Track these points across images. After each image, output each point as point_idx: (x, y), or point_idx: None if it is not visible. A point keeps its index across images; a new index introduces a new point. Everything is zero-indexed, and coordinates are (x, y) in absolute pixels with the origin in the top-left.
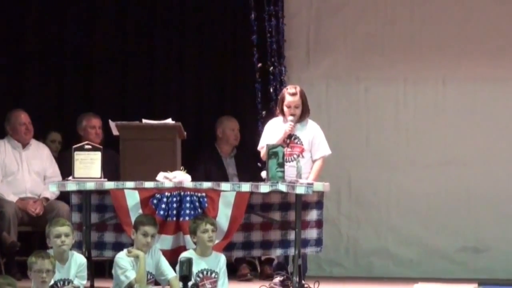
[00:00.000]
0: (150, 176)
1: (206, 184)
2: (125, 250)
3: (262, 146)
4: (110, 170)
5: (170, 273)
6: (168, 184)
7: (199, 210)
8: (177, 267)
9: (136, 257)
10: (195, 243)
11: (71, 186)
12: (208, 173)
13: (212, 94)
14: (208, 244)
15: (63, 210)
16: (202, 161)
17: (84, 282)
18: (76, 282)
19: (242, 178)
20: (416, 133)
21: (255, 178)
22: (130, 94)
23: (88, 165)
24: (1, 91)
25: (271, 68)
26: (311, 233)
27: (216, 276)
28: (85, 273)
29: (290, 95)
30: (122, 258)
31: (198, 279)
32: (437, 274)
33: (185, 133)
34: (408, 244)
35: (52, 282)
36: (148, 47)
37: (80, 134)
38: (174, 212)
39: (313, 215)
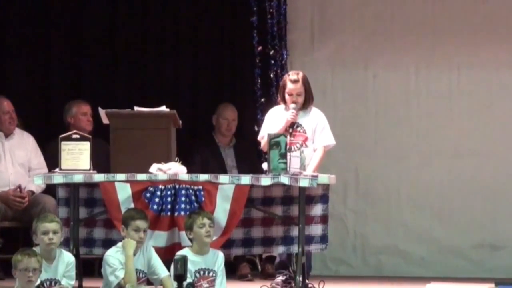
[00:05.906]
0: (142, 168)
1: (203, 177)
2: (114, 247)
3: (262, 136)
4: (100, 161)
5: (163, 272)
6: (162, 176)
7: (195, 204)
8: (172, 266)
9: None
10: (191, 239)
11: (57, 178)
12: (205, 165)
13: (209, 80)
14: (206, 240)
15: (49, 204)
16: (198, 152)
17: (73, 282)
18: (64, 282)
19: (242, 170)
20: (428, 122)
21: (256, 169)
22: (121, 80)
23: (76, 156)
24: None
25: (272, 52)
26: (316, 229)
27: (214, 274)
28: (73, 273)
29: (291, 82)
30: (112, 256)
31: (196, 279)
32: (450, 273)
33: (180, 121)
34: (420, 241)
35: (38, 282)
36: (141, 29)
37: (69, 122)
38: (169, 206)
39: (317, 209)
